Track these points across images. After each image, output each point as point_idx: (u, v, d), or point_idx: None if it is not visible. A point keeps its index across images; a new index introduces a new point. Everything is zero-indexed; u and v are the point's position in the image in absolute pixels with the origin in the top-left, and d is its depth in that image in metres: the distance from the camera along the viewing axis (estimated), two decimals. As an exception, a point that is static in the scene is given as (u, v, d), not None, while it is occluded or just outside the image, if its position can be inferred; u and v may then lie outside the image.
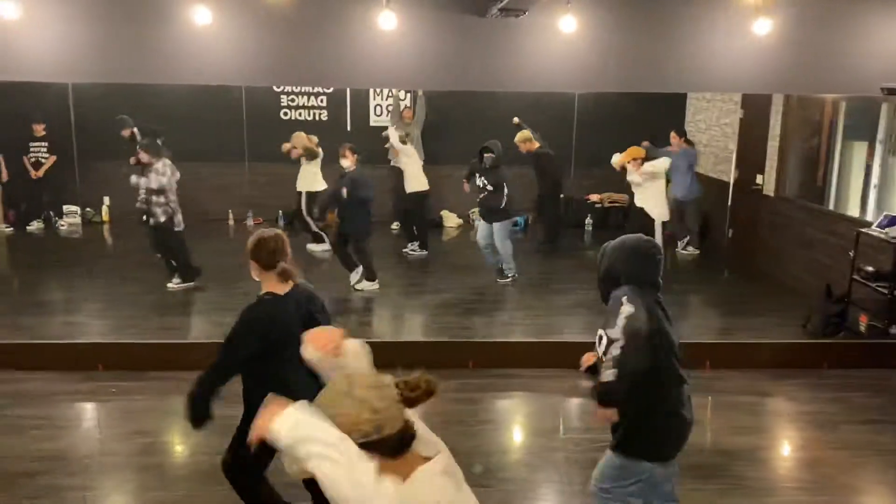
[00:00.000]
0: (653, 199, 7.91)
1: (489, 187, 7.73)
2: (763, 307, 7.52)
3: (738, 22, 5.92)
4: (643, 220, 7.73)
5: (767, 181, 8.80)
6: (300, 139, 9.28)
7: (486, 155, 7.71)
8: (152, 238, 7.64)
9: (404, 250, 9.24)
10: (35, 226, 10.22)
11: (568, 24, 5.59)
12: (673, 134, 9.53)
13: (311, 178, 9.15)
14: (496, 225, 7.75)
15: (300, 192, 9.21)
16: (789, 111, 8.43)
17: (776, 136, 8.58)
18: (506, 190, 7.67)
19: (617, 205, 10.88)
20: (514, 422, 5.62)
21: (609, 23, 5.89)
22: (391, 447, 1.89)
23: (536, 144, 9.18)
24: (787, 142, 8.51)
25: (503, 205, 7.70)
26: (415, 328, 6.95)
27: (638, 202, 7.99)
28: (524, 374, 6.05)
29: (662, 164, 8.00)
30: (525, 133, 9.15)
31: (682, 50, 6.03)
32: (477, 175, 7.88)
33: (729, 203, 9.48)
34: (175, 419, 5.45)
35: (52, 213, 10.41)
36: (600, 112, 10.42)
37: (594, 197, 8.28)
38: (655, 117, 10.52)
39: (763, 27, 5.79)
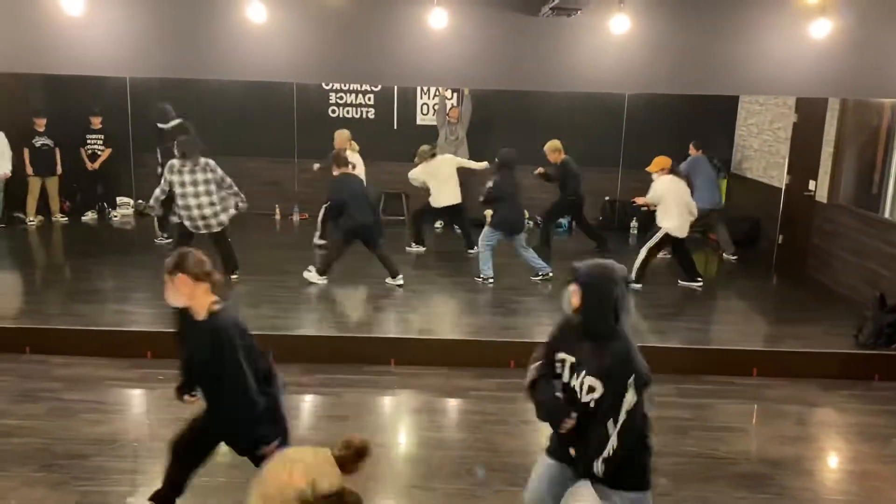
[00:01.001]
0: (663, 215, 7.85)
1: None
2: (813, 315, 7.35)
3: (794, 23, 5.79)
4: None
5: (820, 187, 8.59)
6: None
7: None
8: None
9: (407, 248, 9.30)
10: (89, 216, 10.51)
11: (620, 23, 5.54)
12: (692, 146, 9.48)
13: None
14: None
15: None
16: (845, 116, 8.23)
17: (831, 141, 8.38)
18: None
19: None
20: (555, 423, 5.58)
21: (662, 23, 5.81)
22: None
23: (563, 155, 9.16)
24: (842, 147, 8.30)
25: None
26: (456, 326, 6.97)
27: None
28: (566, 375, 6.02)
29: (654, 194, 7.89)
30: (556, 143, 9.13)
31: (736, 51, 5.92)
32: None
33: (780, 209, 9.29)
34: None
35: (105, 204, 10.69)
36: (650, 114, 10.30)
37: (640, 200, 8.19)
38: (706, 120, 10.39)
39: (821, 29, 5.65)
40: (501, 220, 7.94)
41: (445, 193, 9.05)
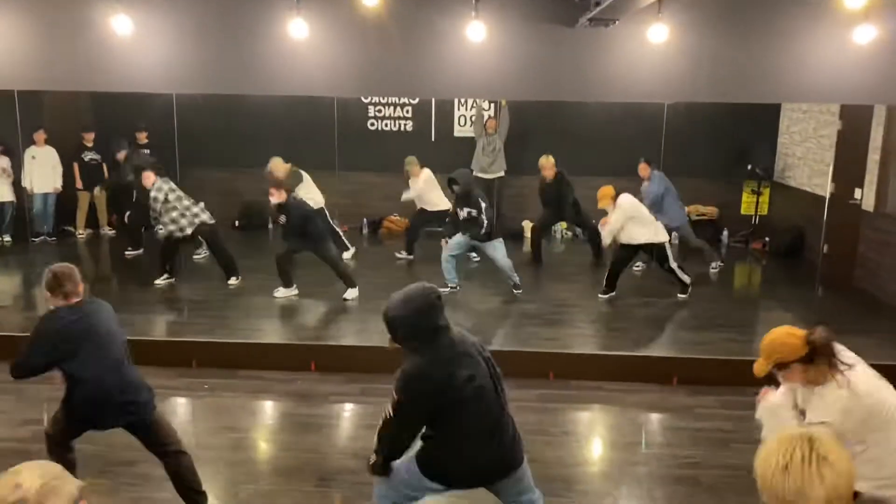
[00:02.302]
0: (641, 229, 7.56)
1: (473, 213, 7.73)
2: (859, 326, 7.18)
3: (836, 29, 5.72)
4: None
5: (867, 196, 8.42)
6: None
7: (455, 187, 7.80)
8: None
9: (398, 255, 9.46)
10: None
11: (658, 32, 5.52)
12: (643, 165, 8.95)
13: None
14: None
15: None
16: (892, 123, 8.06)
17: (877, 148, 8.21)
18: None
19: (705, 217, 10.64)
20: (595, 434, 5.56)
21: (700, 31, 5.78)
22: None
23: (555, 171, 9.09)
24: (889, 155, 8.12)
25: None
26: (496, 337, 6.98)
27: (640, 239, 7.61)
28: (605, 386, 5.99)
29: (623, 216, 7.52)
30: (552, 159, 9.05)
31: (777, 58, 5.86)
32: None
33: (825, 218, 9.11)
34: (263, 417, 5.67)
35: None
36: (690, 123, 10.21)
37: (606, 225, 7.89)
38: (747, 128, 10.26)
39: (865, 35, 5.57)
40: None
41: (438, 199, 9.16)
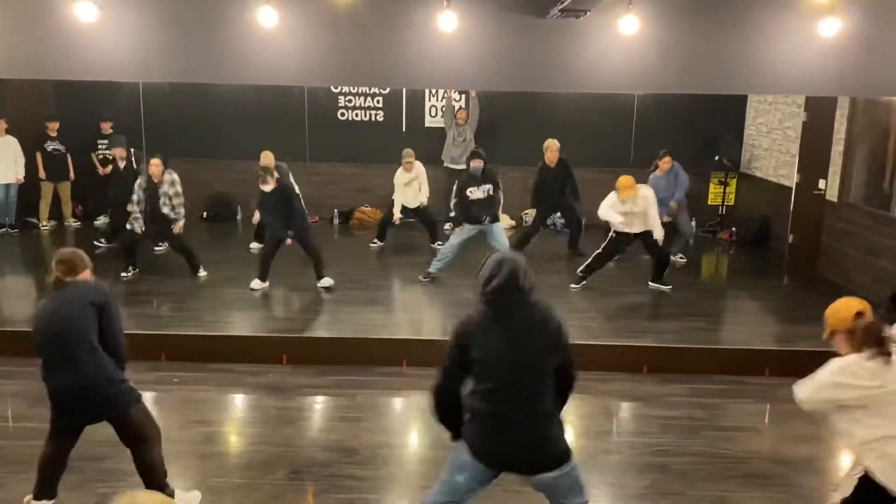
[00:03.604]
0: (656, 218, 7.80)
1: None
2: (822, 314, 7.33)
3: (802, 22, 5.79)
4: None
5: (831, 186, 8.58)
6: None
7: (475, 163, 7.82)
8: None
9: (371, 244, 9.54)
10: (101, 221, 10.58)
11: (629, 24, 5.55)
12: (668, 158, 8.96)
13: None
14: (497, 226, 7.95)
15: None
16: (855, 114, 8.21)
17: (841, 139, 8.36)
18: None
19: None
20: (568, 423, 5.57)
21: (670, 23, 5.82)
22: None
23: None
24: (852, 146, 8.28)
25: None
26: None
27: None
28: (578, 376, 6.03)
29: (655, 212, 7.78)
30: (557, 143, 9.04)
31: (745, 51, 5.92)
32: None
33: (791, 208, 9.27)
34: (234, 410, 5.62)
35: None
36: (660, 114, 10.30)
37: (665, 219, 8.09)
38: (715, 119, 10.39)
39: (829, 27, 5.65)
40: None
41: (414, 197, 9.34)
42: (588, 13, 5.50)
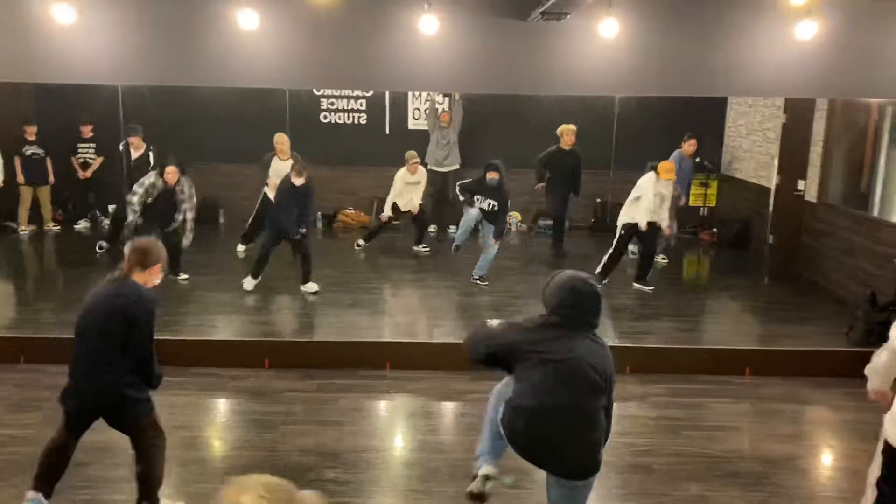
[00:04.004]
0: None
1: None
2: (805, 314, 7.41)
3: (780, 25, 5.86)
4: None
5: (810, 187, 8.66)
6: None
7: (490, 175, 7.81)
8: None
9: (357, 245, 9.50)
10: (82, 225, 10.48)
11: (609, 27, 5.59)
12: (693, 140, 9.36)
13: None
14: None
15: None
16: (833, 116, 8.30)
17: (819, 141, 8.45)
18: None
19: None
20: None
21: (650, 26, 5.87)
22: None
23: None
24: (830, 147, 8.37)
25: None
26: (456, 329, 6.99)
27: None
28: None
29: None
30: (573, 127, 9.16)
31: (724, 54, 5.98)
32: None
33: (770, 209, 9.36)
34: (216, 414, 5.58)
35: (98, 212, 10.67)
36: (640, 116, 10.35)
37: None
38: (696, 121, 10.45)
39: (807, 30, 5.72)
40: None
41: (409, 199, 9.34)
42: (569, 16, 5.53)
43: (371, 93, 10.82)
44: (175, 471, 4.59)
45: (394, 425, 5.53)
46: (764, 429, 5.37)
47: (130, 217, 7.66)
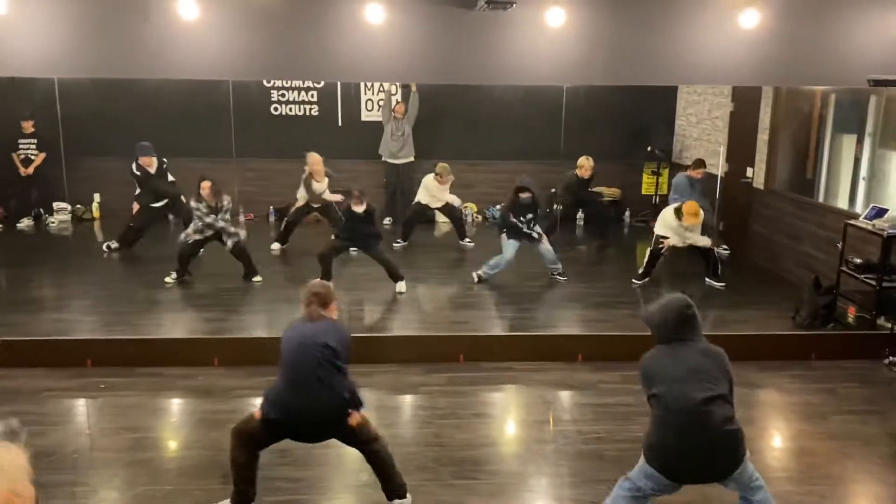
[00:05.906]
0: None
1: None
2: (753, 299, 7.54)
3: (724, 13, 5.93)
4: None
5: (757, 174, 8.82)
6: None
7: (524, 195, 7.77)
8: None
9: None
10: (25, 223, 10.16)
11: (556, 16, 5.59)
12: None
13: None
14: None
15: None
16: (779, 104, 8.45)
17: (766, 129, 8.60)
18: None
19: (608, 198, 10.90)
20: (505, 414, 5.63)
21: (597, 15, 5.89)
22: None
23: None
24: (776, 135, 8.53)
25: None
26: (408, 322, 6.95)
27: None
28: (515, 367, 6.07)
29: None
30: (591, 161, 9.44)
31: (672, 42, 6.03)
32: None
33: (717, 196, 9.50)
34: (163, 415, 5.46)
35: (42, 210, 10.37)
36: (589, 106, 10.41)
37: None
38: (645, 111, 10.56)
39: (750, 19, 5.80)
40: None
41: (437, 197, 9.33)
42: (514, 5, 5.52)
43: (322, 84, 10.68)
44: (121, 473, 4.50)
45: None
46: (713, 413, 5.44)
47: (191, 239, 7.66)
